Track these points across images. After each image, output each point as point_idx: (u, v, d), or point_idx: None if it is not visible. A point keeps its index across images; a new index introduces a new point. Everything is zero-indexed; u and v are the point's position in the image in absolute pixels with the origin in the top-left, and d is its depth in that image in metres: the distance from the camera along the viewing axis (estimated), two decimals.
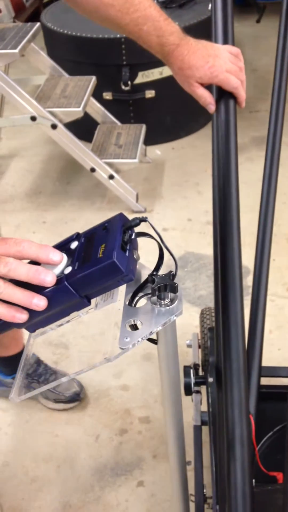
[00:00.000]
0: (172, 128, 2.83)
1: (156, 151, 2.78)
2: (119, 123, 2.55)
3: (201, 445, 1.17)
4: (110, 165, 2.28)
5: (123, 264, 0.55)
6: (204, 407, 1.20)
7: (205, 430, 1.18)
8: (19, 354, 1.48)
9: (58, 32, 2.54)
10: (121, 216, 0.62)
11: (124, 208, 2.37)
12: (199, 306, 1.88)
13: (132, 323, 0.60)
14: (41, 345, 0.71)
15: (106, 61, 2.51)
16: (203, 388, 1.22)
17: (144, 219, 0.59)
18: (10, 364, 1.50)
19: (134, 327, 0.60)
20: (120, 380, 1.64)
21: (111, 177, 2.28)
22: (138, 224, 0.60)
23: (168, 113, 2.74)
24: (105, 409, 1.57)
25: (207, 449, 1.16)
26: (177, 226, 2.28)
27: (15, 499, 1.36)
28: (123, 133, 2.47)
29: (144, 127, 2.50)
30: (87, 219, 2.35)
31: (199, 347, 1.41)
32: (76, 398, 1.56)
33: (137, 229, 0.61)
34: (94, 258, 0.56)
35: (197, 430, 1.21)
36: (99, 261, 0.55)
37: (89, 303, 0.60)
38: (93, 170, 2.27)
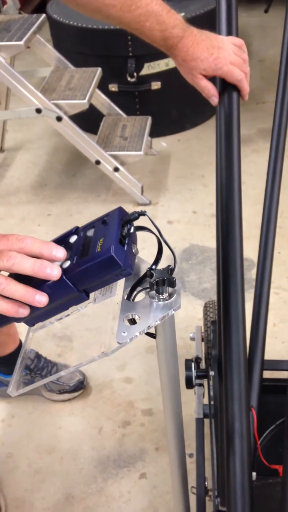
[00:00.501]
0: (178, 120, 2.81)
1: (161, 143, 2.77)
2: (124, 115, 2.54)
3: (203, 438, 1.17)
4: (115, 157, 2.28)
5: (121, 258, 0.55)
6: (206, 400, 1.20)
7: (207, 422, 1.18)
8: (17, 350, 1.48)
9: (64, 24, 2.53)
10: (120, 210, 0.61)
11: (129, 201, 2.36)
12: (203, 299, 1.88)
13: (130, 317, 0.60)
14: (44, 337, 0.72)
15: (112, 52, 2.50)
16: (205, 381, 1.22)
17: (143, 213, 0.58)
18: (9, 362, 1.50)
19: (132, 321, 0.60)
20: (123, 373, 1.65)
21: (116, 169, 2.27)
22: (136, 218, 0.59)
23: (174, 105, 2.72)
24: (108, 401, 1.57)
25: (209, 441, 1.16)
26: (182, 219, 2.28)
27: (19, 490, 1.38)
28: (129, 125, 2.46)
29: (149, 119, 2.49)
30: (92, 211, 2.35)
31: (202, 340, 1.41)
32: (81, 386, 1.57)
33: (137, 223, 0.61)
34: (92, 252, 0.56)
35: (199, 423, 1.21)
36: (97, 255, 0.55)
37: (87, 297, 0.60)
38: (98, 162, 2.27)
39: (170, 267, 0.59)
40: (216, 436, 1.06)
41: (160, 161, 2.65)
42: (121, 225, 0.59)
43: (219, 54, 0.89)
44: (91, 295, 0.61)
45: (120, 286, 0.62)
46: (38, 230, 2.25)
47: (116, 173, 2.28)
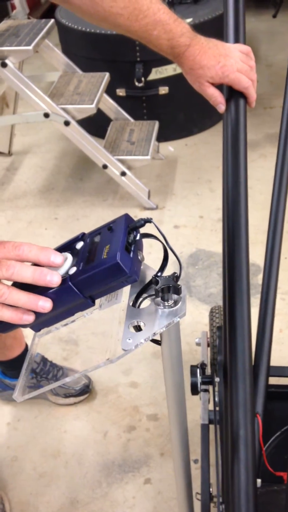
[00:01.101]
0: (185, 125, 2.82)
1: (168, 147, 2.78)
2: (132, 120, 2.55)
3: (208, 444, 1.17)
4: (122, 161, 2.28)
5: (127, 265, 0.55)
6: (211, 406, 1.20)
7: (213, 428, 1.18)
8: (23, 354, 1.49)
9: (73, 29, 2.54)
10: (126, 216, 0.62)
11: (136, 205, 2.37)
12: (209, 304, 1.88)
13: (136, 324, 0.60)
14: (50, 341, 0.72)
15: (120, 57, 2.51)
16: (211, 387, 1.22)
17: (149, 220, 0.59)
18: (15, 366, 1.51)
19: (138, 328, 0.60)
20: (129, 377, 1.65)
21: (123, 173, 2.28)
22: (143, 225, 0.60)
23: (181, 110, 2.72)
24: (113, 405, 1.57)
25: (214, 447, 1.16)
26: (189, 223, 2.28)
27: (24, 493, 1.38)
28: (136, 130, 2.46)
29: (157, 123, 2.50)
30: (99, 215, 2.36)
31: (208, 345, 1.41)
32: (86, 390, 1.58)
33: (143, 229, 0.61)
34: (98, 258, 0.56)
35: (205, 428, 1.21)
36: (103, 262, 0.55)
37: (93, 303, 0.60)
38: (105, 166, 2.27)
39: (176, 274, 0.59)
40: (221, 442, 1.05)
41: (167, 166, 2.66)
42: (127, 232, 0.59)
43: (226, 62, 0.89)
44: (97, 301, 0.61)
45: (125, 292, 0.63)
46: (45, 233, 2.26)
47: (123, 178, 2.29)
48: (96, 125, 2.52)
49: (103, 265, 0.55)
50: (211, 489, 1.12)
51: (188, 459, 0.82)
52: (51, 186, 2.60)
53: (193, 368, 1.02)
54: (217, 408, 1.14)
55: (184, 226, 2.27)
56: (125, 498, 1.35)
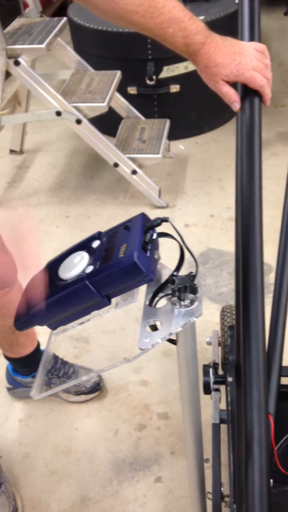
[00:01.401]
0: (196, 123, 2.81)
1: (179, 146, 2.77)
2: (143, 118, 2.55)
3: (219, 443, 1.17)
4: (133, 160, 2.28)
5: (144, 264, 0.56)
6: (222, 405, 1.19)
7: (223, 428, 1.18)
8: (35, 352, 1.50)
9: (85, 27, 2.54)
10: (143, 216, 0.62)
11: (147, 203, 2.37)
12: (220, 303, 1.87)
13: (152, 323, 0.60)
14: (61, 338, 0.72)
15: (132, 55, 2.51)
16: (222, 386, 1.22)
17: (165, 219, 0.59)
18: (27, 363, 1.51)
19: (154, 328, 0.60)
20: (139, 376, 1.65)
21: (134, 172, 2.28)
22: (159, 224, 0.60)
23: (192, 108, 2.72)
24: (124, 404, 1.58)
25: (225, 446, 1.16)
26: (199, 222, 2.27)
27: (35, 490, 1.39)
28: (147, 128, 2.46)
29: (168, 122, 2.49)
30: (109, 213, 2.36)
31: (219, 345, 1.41)
32: (97, 388, 1.58)
33: (158, 229, 0.61)
34: (115, 258, 0.56)
35: (216, 428, 1.20)
36: (120, 261, 0.55)
37: (109, 302, 0.61)
38: (116, 165, 2.27)
39: (192, 273, 0.59)
40: (233, 442, 1.05)
41: (177, 164, 2.65)
42: (144, 231, 0.59)
43: (241, 60, 0.89)
44: (113, 300, 0.62)
45: (141, 291, 0.63)
46: (56, 231, 2.27)
47: (134, 176, 2.29)
48: (107, 123, 2.51)
49: (120, 264, 0.56)
50: (222, 489, 1.12)
51: (202, 458, 0.82)
52: (62, 184, 2.60)
53: (206, 368, 1.01)
54: (230, 408, 1.14)
55: (195, 225, 2.26)
56: (136, 496, 1.35)
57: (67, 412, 1.57)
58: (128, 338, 0.63)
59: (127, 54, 2.51)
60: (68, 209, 2.42)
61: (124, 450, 1.46)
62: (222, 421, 1.21)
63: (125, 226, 0.61)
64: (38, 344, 1.51)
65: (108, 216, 2.34)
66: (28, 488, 1.39)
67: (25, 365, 1.52)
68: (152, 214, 2.37)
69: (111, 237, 0.61)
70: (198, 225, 2.26)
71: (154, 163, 2.36)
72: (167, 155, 2.63)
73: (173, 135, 2.64)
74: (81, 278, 0.57)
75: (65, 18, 2.32)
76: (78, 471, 1.42)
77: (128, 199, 2.45)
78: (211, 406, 1.21)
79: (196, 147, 2.77)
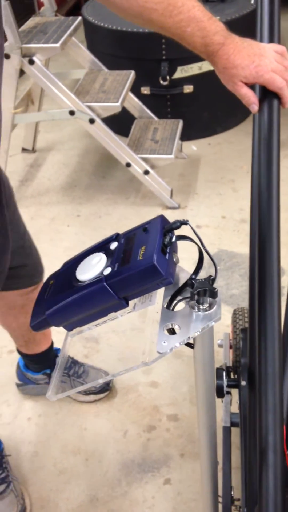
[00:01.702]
0: (209, 124, 2.80)
1: (192, 146, 2.76)
2: (156, 118, 2.54)
3: (230, 447, 1.16)
4: (145, 160, 2.28)
5: (163, 267, 0.55)
6: (233, 408, 1.19)
7: (234, 431, 1.17)
8: (49, 349, 1.50)
9: (99, 26, 2.54)
10: (161, 218, 0.61)
11: (158, 204, 2.36)
12: (231, 305, 1.87)
13: (170, 327, 0.60)
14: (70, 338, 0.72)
15: (146, 55, 2.50)
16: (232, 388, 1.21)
17: (185, 222, 0.58)
18: (40, 360, 1.52)
19: (172, 331, 0.59)
20: (149, 377, 1.65)
21: (146, 172, 2.27)
22: (179, 227, 0.59)
23: (205, 109, 2.71)
24: (133, 405, 1.57)
25: (234, 450, 1.15)
26: (211, 223, 2.26)
27: (44, 489, 1.39)
28: (160, 128, 2.46)
29: (181, 122, 2.49)
30: (121, 213, 2.36)
31: (231, 347, 1.40)
32: (107, 388, 1.58)
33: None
34: (134, 260, 0.56)
35: (226, 431, 1.20)
36: (139, 264, 0.55)
37: (127, 304, 0.60)
38: (128, 165, 2.27)
39: (212, 277, 0.59)
40: (245, 447, 1.04)
41: (190, 165, 2.64)
42: (163, 234, 0.59)
43: (261, 62, 0.88)
44: (131, 302, 0.61)
45: (159, 294, 0.62)
46: (67, 230, 2.27)
47: (146, 176, 2.29)
48: (120, 123, 2.51)
49: (139, 267, 0.55)
50: (232, 492, 1.11)
51: (216, 462, 0.81)
52: (74, 183, 2.60)
53: (219, 371, 1.01)
54: (242, 412, 1.13)
55: (206, 226, 2.25)
56: (144, 498, 1.35)
57: (77, 411, 1.57)
58: (142, 340, 0.62)
59: (141, 54, 2.51)
60: (80, 208, 2.42)
61: (133, 451, 1.46)
62: (233, 424, 1.21)
63: (144, 228, 0.60)
64: (52, 343, 1.52)
65: (119, 215, 2.34)
66: (37, 487, 1.39)
67: (38, 362, 1.52)
68: (164, 215, 2.36)
69: (129, 239, 0.60)
70: (210, 226, 2.25)
71: (166, 164, 2.36)
72: (179, 156, 2.62)
73: (186, 135, 2.64)
74: (99, 279, 0.57)
75: (80, 18, 2.32)
76: (87, 471, 1.42)
77: (139, 199, 2.45)
78: (222, 409, 1.20)
79: (208, 148, 2.76)
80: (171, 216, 2.29)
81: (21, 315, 1.34)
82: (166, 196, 2.33)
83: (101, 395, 1.58)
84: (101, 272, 0.57)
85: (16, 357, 1.58)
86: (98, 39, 2.64)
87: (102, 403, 1.58)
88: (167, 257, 0.57)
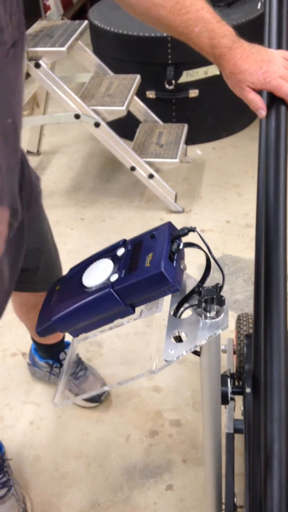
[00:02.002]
0: (214, 128, 2.80)
1: (196, 150, 2.76)
2: (161, 122, 2.54)
3: (233, 453, 1.15)
4: (150, 164, 2.28)
5: (170, 274, 0.55)
6: (236, 414, 1.18)
7: (236, 437, 1.16)
8: (58, 343, 1.53)
9: (105, 30, 2.55)
10: (169, 225, 0.61)
11: (162, 208, 2.36)
12: (235, 310, 1.86)
13: (177, 334, 0.59)
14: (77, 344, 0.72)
15: (151, 59, 2.51)
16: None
17: (192, 229, 0.58)
18: (47, 350, 1.56)
19: (179, 339, 0.59)
20: (152, 382, 1.64)
21: (150, 176, 2.27)
22: (186, 234, 0.59)
23: (210, 113, 2.71)
24: (136, 409, 1.57)
25: (237, 456, 1.14)
26: (215, 228, 2.26)
27: (45, 494, 1.38)
28: (165, 132, 2.46)
29: (186, 126, 2.49)
30: (125, 217, 2.36)
31: (234, 353, 1.39)
32: (97, 400, 1.57)
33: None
34: (141, 267, 0.56)
35: (230, 438, 1.19)
36: (146, 271, 0.55)
37: (133, 311, 0.60)
38: (133, 168, 2.27)
39: (219, 285, 0.58)
40: (249, 454, 1.04)
41: (194, 169, 2.64)
42: (170, 241, 0.59)
43: (268, 68, 0.88)
44: (137, 309, 0.61)
45: (166, 301, 0.62)
46: (71, 233, 2.27)
47: (150, 180, 2.28)
48: (125, 126, 2.51)
49: (146, 274, 0.55)
50: (235, 499, 1.11)
51: (220, 469, 0.81)
52: (78, 186, 2.61)
53: (224, 378, 1.00)
54: (246, 419, 1.12)
55: (211, 231, 2.25)
56: (146, 503, 1.34)
57: (79, 416, 1.56)
58: (146, 345, 0.62)
59: (147, 58, 2.51)
60: (84, 212, 2.42)
61: (136, 456, 1.45)
62: (236, 430, 1.20)
63: (151, 234, 0.60)
64: (63, 338, 1.55)
65: (123, 219, 2.34)
66: (38, 491, 1.39)
67: (45, 351, 1.56)
68: (168, 219, 2.36)
69: (136, 245, 0.60)
70: (214, 230, 2.25)
71: (171, 168, 2.36)
72: (184, 160, 2.62)
73: (190, 139, 2.63)
74: (106, 286, 0.56)
75: (86, 22, 2.33)
76: (88, 475, 1.42)
77: (144, 203, 2.44)
78: (225, 416, 1.20)
79: (213, 152, 2.76)
80: (175, 220, 2.29)
81: (32, 311, 1.36)
82: (170, 200, 2.33)
83: (91, 404, 1.57)
84: (108, 279, 0.57)
85: (19, 360, 1.58)
86: (104, 43, 2.65)
87: (105, 408, 1.58)
88: (174, 264, 0.57)
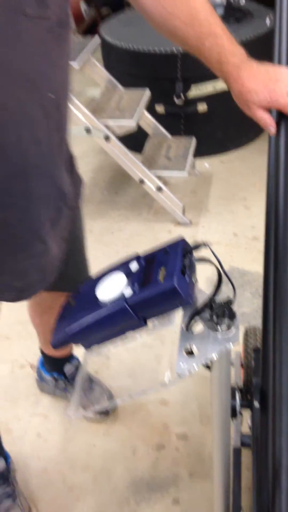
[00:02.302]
0: (222, 141, 2.82)
1: (204, 163, 2.78)
2: (169, 136, 2.56)
3: (240, 468, 1.15)
4: (159, 177, 2.30)
5: (183, 289, 0.56)
6: (243, 429, 1.18)
7: (243, 452, 1.16)
8: (63, 359, 1.53)
9: (116, 46, 2.59)
10: (181, 239, 0.62)
11: (170, 220, 2.37)
12: (242, 323, 1.86)
13: (188, 348, 0.60)
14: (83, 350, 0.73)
15: (161, 74, 2.54)
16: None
17: (205, 244, 0.59)
18: (53, 363, 1.57)
19: (190, 352, 0.60)
20: (159, 394, 1.64)
21: (159, 189, 2.29)
22: (198, 249, 0.60)
23: (219, 127, 2.73)
24: (143, 423, 1.57)
25: (243, 471, 1.14)
26: (222, 240, 2.27)
27: (52, 506, 1.38)
28: (173, 146, 2.48)
29: (194, 140, 2.51)
30: (133, 229, 2.37)
31: (242, 366, 1.39)
32: (106, 412, 1.57)
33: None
34: (154, 281, 0.57)
35: (237, 452, 1.19)
36: (159, 285, 0.56)
37: (145, 324, 0.61)
38: (142, 181, 2.29)
39: (230, 299, 0.59)
40: (257, 468, 1.03)
41: (202, 182, 2.66)
42: (182, 256, 0.60)
43: (275, 87, 0.89)
44: (149, 322, 0.62)
45: (178, 314, 0.63)
46: None
47: (158, 193, 2.30)
48: (133, 139, 2.54)
49: (159, 288, 0.56)
50: None
51: (228, 483, 0.81)
52: (86, 198, 2.60)
53: (232, 391, 1.00)
54: (253, 433, 1.12)
55: (218, 243, 2.26)
56: None
57: (86, 428, 1.56)
58: (154, 359, 0.62)
59: (156, 73, 2.54)
60: (92, 224, 2.44)
61: (142, 470, 1.45)
62: (243, 444, 1.20)
63: (164, 249, 0.61)
64: (70, 353, 1.55)
65: (131, 232, 2.35)
66: (46, 503, 1.39)
67: (51, 363, 1.57)
68: (175, 231, 2.37)
69: (149, 260, 0.61)
70: (221, 243, 2.25)
71: (179, 180, 2.37)
72: (192, 173, 2.64)
73: (198, 152, 2.65)
74: (120, 300, 0.57)
75: (98, 38, 2.36)
76: (95, 488, 1.41)
77: (151, 215, 2.46)
78: (233, 430, 1.20)
79: (221, 165, 2.78)
80: (183, 232, 2.29)
81: (46, 314, 1.35)
82: (178, 212, 2.34)
83: (100, 417, 1.57)
84: (122, 293, 0.58)
85: (27, 372, 1.59)
86: (115, 58, 2.68)
87: (111, 421, 1.58)
88: (187, 279, 0.58)
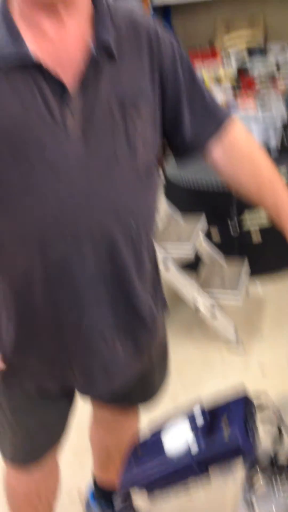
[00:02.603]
0: (276, 265, 2.89)
1: (258, 287, 2.81)
2: (223, 260, 2.66)
3: None
4: (212, 298, 2.36)
5: (246, 446, 0.60)
6: None
7: None
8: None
9: (177, 184, 2.80)
10: (243, 394, 0.67)
11: (222, 342, 2.37)
12: None
13: (249, 501, 0.62)
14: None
15: (218, 210, 2.70)
16: None
17: (267, 406, 0.63)
18: (104, 493, 1.51)
19: (251, 506, 0.62)
20: None
21: (212, 310, 2.34)
22: (261, 407, 0.65)
23: (274, 256, 2.81)
24: None
25: None
26: (276, 366, 2.23)
27: None
28: (227, 268, 2.56)
29: (247, 263, 2.59)
30: (184, 354, 2.34)
31: None
32: None
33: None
34: (219, 439, 0.61)
35: None
36: (224, 444, 0.60)
37: (207, 471, 0.64)
38: (195, 302, 2.35)
39: None
40: None
41: (255, 305, 2.68)
42: (246, 411, 0.64)
43: None
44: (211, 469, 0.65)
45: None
46: None
47: (211, 314, 2.35)
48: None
49: (225, 447, 0.60)
50: None
51: None
52: None
53: None
54: None
55: (270, 369, 2.22)
56: None
57: None
58: (205, 499, 0.64)
59: (214, 209, 2.71)
60: None
61: None
62: None
63: (227, 405, 0.66)
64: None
65: (183, 357, 2.28)
66: None
67: (101, 492, 1.51)
68: (228, 359, 2.32)
69: (213, 415, 0.66)
70: (275, 369, 2.21)
71: (232, 304, 2.42)
72: (245, 295, 2.68)
73: (252, 274, 2.71)
74: (187, 457, 0.62)
75: (162, 179, 2.60)
76: None
77: (202, 336, 2.47)
78: None
79: (275, 289, 2.81)
80: (235, 360, 2.25)
81: (102, 429, 1.34)
82: (230, 336, 2.36)
83: None
84: (189, 449, 0.62)
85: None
86: (176, 195, 2.86)
87: None
88: (249, 436, 0.62)
